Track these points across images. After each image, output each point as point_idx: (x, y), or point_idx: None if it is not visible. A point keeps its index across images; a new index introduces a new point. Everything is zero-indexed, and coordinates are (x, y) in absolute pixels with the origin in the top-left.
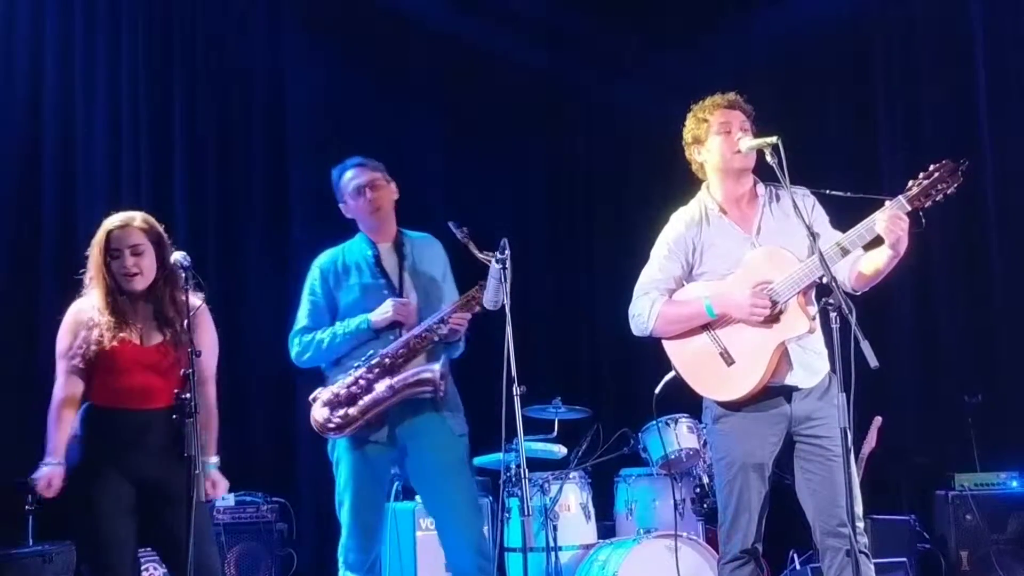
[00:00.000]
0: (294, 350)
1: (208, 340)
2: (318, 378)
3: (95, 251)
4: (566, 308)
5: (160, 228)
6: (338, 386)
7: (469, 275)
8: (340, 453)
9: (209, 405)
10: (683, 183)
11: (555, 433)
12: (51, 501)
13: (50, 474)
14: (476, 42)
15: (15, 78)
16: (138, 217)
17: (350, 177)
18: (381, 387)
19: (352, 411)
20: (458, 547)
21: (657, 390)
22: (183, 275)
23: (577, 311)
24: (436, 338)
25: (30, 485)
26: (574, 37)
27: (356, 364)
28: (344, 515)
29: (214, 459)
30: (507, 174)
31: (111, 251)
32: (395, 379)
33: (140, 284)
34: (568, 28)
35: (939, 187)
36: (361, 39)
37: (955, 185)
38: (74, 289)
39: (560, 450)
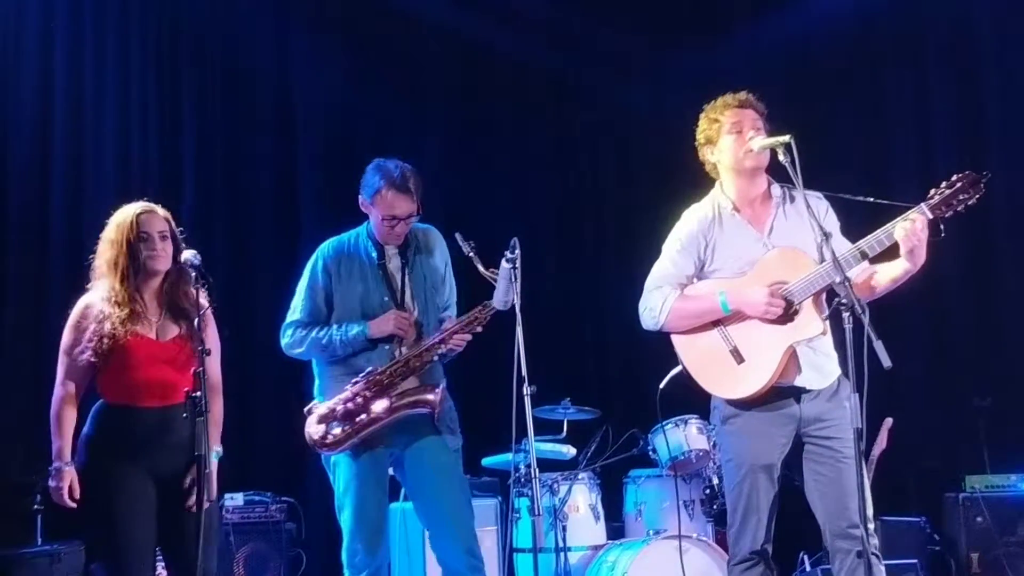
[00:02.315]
0: (285, 340)
1: (213, 340)
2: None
3: (116, 235)
4: (575, 309)
5: (174, 225)
6: (334, 401)
7: (473, 289)
8: (337, 458)
9: (218, 394)
10: (691, 184)
11: (564, 434)
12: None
13: (66, 480)
14: (483, 42)
15: (25, 79)
16: (159, 208)
17: (389, 202)
18: (379, 407)
19: (348, 428)
20: (450, 548)
21: (662, 384)
22: (193, 273)
23: (586, 312)
24: (435, 357)
25: (39, 490)
26: (582, 38)
27: (354, 380)
28: (346, 519)
29: (218, 448)
30: (515, 174)
31: (140, 233)
32: (392, 398)
33: (163, 265)
34: (576, 29)
35: (960, 197)
36: (369, 39)
37: (976, 196)
38: (81, 291)
39: (569, 451)
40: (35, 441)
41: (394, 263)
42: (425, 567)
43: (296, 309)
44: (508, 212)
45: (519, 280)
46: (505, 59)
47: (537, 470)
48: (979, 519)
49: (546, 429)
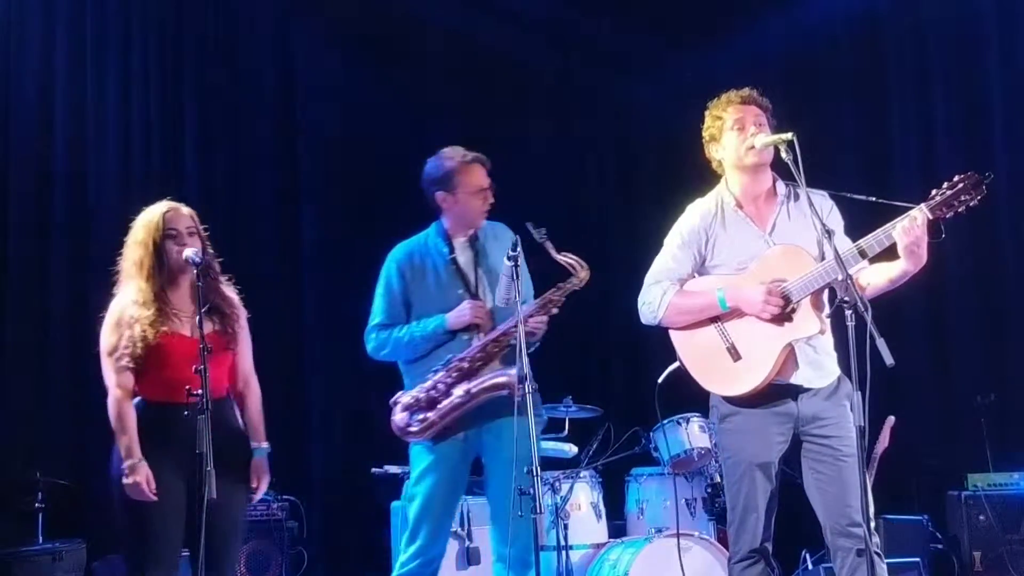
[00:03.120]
0: (371, 345)
1: (244, 336)
2: (327, 378)
3: (143, 234)
4: (577, 307)
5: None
6: (418, 390)
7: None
8: (418, 450)
9: (256, 389)
10: (695, 182)
11: (566, 432)
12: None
13: (142, 474)
14: (489, 41)
15: (27, 76)
16: (184, 206)
17: (477, 175)
18: (459, 391)
19: (431, 415)
20: (517, 541)
21: (660, 380)
22: (196, 272)
23: (588, 310)
24: (513, 341)
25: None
26: (587, 37)
27: (435, 368)
28: (412, 510)
29: (265, 444)
30: (518, 173)
31: (168, 231)
32: (472, 383)
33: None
34: (582, 28)
35: (962, 198)
36: (373, 39)
37: (979, 197)
38: (83, 291)
39: (571, 449)
40: (36, 440)
41: (465, 256)
42: None
43: (376, 313)
44: (511, 211)
45: (520, 279)
46: (509, 58)
47: (539, 468)
48: (982, 517)
49: (548, 427)
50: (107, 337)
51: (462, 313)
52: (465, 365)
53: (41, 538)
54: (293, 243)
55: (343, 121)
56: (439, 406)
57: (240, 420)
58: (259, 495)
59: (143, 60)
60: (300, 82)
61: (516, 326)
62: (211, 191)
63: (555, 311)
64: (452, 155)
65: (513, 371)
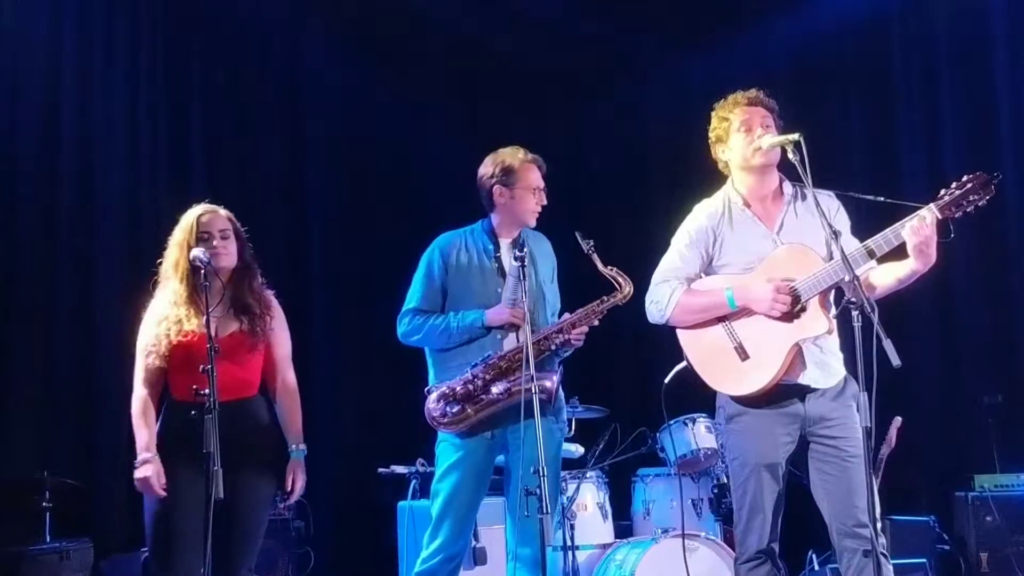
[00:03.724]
0: (402, 328)
1: (283, 340)
2: (333, 377)
3: (179, 236)
4: (583, 306)
5: (239, 224)
6: (455, 382)
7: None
8: (445, 446)
9: (292, 391)
10: (700, 184)
11: (572, 432)
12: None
13: (152, 469)
14: (494, 40)
15: (31, 77)
16: (222, 208)
17: (536, 174)
18: (497, 388)
19: (468, 408)
20: (528, 538)
21: (667, 379)
22: (203, 272)
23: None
24: (553, 347)
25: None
26: (594, 38)
27: (474, 363)
28: (436, 506)
29: (302, 446)
30: None
31: (201, 234)
32: (511, 382)
33: (226, 262)
34: (588, 29)
35: (971, 198)
36: (379, 37)
37: (987, 197)
38: (91, 291)
39: (577, 449)
40: (43, 439)
41: (507, 258)
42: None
43: (413, 298)
44: None
45: (526, 279)
46: (516, 57)
47: (546, 468)
48: (989, 518)
49: None
50: (140, 338)
51: (501, 312)
52: (504, 364)
53: (48, 537)
54: (300, 243)
55: (351, 122)
56: (475, 400)
57: (272, 419)
58: (294, 497)
59: (150, 55)
60: (307, 83)
61: (558, 333)
62: (218, 191)
63: (596, 323)
64: (514, 152)
65: (556, 377)
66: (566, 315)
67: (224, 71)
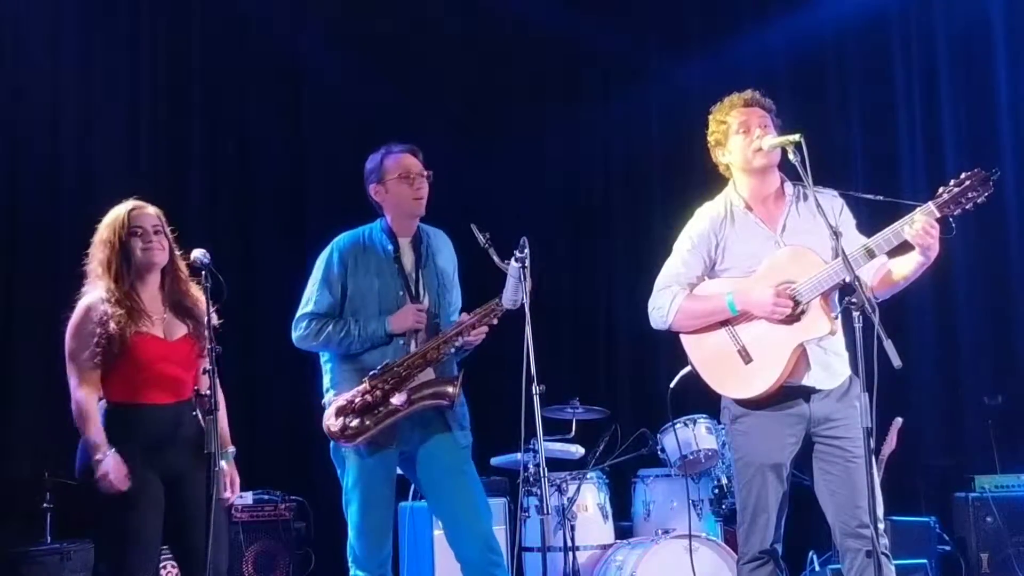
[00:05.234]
0: (298, 333)
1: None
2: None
3: (108, 233)
4: (585, 308)
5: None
6: (352, 394)
7: (485, 281)
8: (346, 453)
9: (220, 394)
10: (702, 184)
11: (573, 433)
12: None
13: (113, 464)
14: (494, 40)
15: (31, 76)
16: (150, 205)
17: (399, 161)
18: (398, 399)
19: (367, 421)
20: (468, 544)
21: (672, 384)
22: (203, 273)
23: (596, 311)
24: (452, 350)
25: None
26: (595, 41)
27: (371, 372)
28: (352, 514)
29: (232, 448)
30: (525, 173)
31: (132, 228)
32: (411, 391)
33: (160, 259)
34: (589, 32)
35: (969, 196)
36: (380, 34)
37: (986, 194)
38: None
39: (578, 450)
40: (43, 440)
41: (408, 258)
42: (434, 566)
43: (310, 301)
44: (518, 211)
45: (528, 280)
46: (516, 58)
47: (546, 469)
48: (989, 519)
49: (555, 429)
50: (71, 340)
51: (404, 317)
52: (403, 372)
53: (49, 538)
54: (297, 241)
55: (351, 117)
56: (375, 412)
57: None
58: (233, 499)
59: (152, 54)
60: (308, 83)
61: (457, 335)
62: (218, 191)
63: (495, 322)
64: (383, 149)
65: (456, 384)
66: (464, 315)
67: (224, 70)
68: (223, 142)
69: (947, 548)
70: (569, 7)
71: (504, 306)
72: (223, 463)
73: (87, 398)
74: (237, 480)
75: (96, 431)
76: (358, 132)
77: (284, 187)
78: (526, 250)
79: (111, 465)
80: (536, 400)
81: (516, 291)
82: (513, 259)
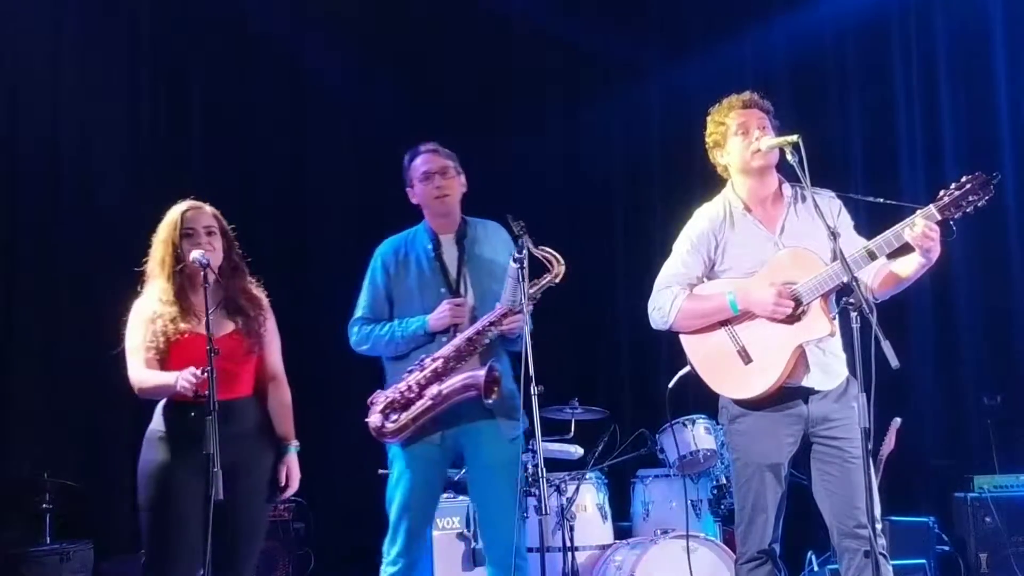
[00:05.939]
0: (353, 338)
1: (272, 332)
2: (332, 377)
3: (164, 233)
4: (584, 308)
5: (225, 222)
6: (393, 391)
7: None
8: (395, 451)
9: (283, 389)
10: (702, 185)
11: (572, 434)
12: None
13: (185, 376)
14: (495, 40)
15: (29, 75)
16: (207, 205)
17: (421, 162)
18: (430, 393)
19: (404, 417)
20: (495, 540)
21: (671, 384)
22: (202, 272)
23: (595, 311)
24: (487, 340)
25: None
26: (594, 41)
27: (409, 368)
28: (392, 512)
29: (295, 443)
30: (526, 173)
31: (186, 229)
32: (443, 385)
33: (213, 260)
34: (588, 32)
35: (970, 199)
36: (382, 34)
37: (986, 198)
38: (92, 291)
39: (577, 451)
40: (44, 441)
41: (450, 254)
42: (432, 566)
43: (360, 306)
44: (518, 210)
45: (526, 280)
46: (517, 57)
47: (545, 470)
48: (988, 519)
49: (554, 429)
50: (131, 335)
51: (442, 315)
52: (439, 365)
53: (49, 539)
54: (297, 244)
55: (352, 117)
56: (412, 408)
57: (266, 418)
58: (289, 493)
59: (152, 49)
60: (308, 83)
61: (490, 325)
62: (217, 190)
63: (531, 306)
64: (411, 150)
65: (483, 372)
66: (497, 305)
67: (224, 71)
68: (223, 142)
69: (946, 548)
70: (569, 7)
71: (503, 305)
72: (288, 455)
73: (143, 371)
74: (296, 475)
75: (158, 375)
76: (358, 132)
77: (284, 187)
78: (525, 251)
79: (183, 383)
80: (535, 400)
81: (515, 292)
82: (511, 260)
